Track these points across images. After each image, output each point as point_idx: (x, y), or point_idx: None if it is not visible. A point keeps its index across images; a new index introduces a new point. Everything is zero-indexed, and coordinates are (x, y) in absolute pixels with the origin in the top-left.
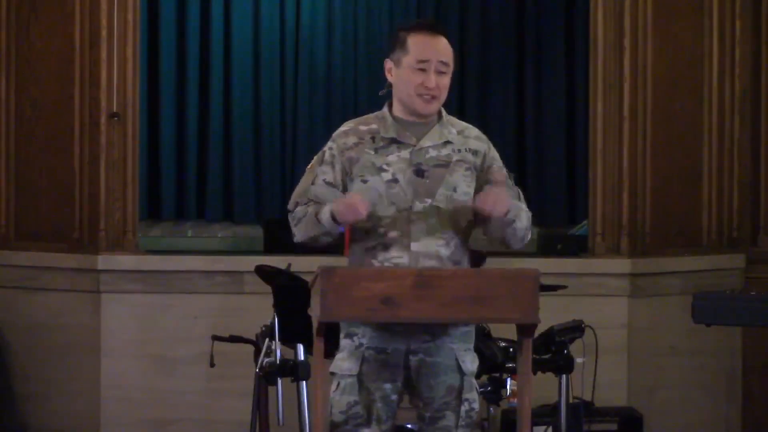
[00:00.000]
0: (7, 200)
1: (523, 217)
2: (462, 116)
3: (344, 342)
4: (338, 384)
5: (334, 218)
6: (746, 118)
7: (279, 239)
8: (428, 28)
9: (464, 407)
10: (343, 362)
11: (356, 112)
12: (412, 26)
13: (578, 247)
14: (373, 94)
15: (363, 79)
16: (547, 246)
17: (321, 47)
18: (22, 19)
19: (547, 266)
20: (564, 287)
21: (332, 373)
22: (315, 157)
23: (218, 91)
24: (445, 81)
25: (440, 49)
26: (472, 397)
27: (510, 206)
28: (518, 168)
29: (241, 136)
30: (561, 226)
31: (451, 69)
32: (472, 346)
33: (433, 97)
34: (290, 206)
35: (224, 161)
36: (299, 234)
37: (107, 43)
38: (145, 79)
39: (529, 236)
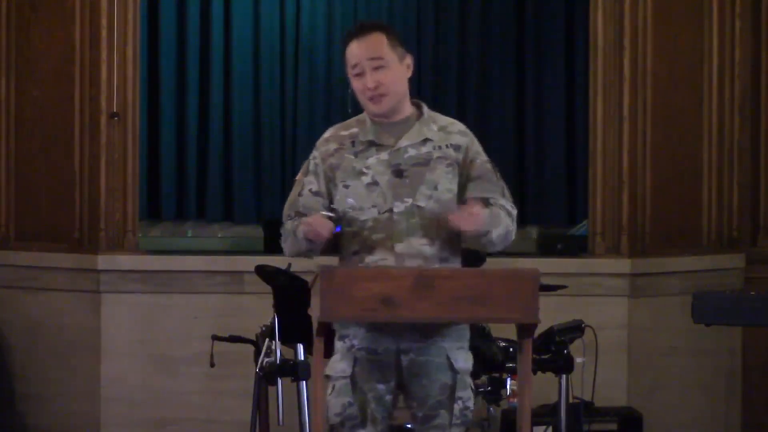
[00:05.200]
0: (7, 200)
1: (501, 224)
2: (462, 117)
3: (338, 344)
4: (333, 386)
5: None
6: (746, 118)
7: (279, 239)
8: (353, 34)
9: (458, 405)
10: (337, 364)
11: (356, 112)
12: (343, 38)
13: (578, 247)
14: None
15: None
16: (547, 246)
17: (321, 47)
18: (22, 19)
19: (547, 266)
20: (564, 287)
21: (327, 376)
22: (302, 168)
23: (218, 91)
24: (386, 75)
25: (366, 47)
26: (466, 396)
27: (485, 224)
28: (518, 168)
29: (241, 136)
30: (561, 226)
31: (387, 60)
32: (465, 344)
33: (381, 95)
34: (284, 219)
35: (224, 161)
36: (287, 250)
37: (107, 43)
38: (145, 79)
39: (512, 237)
